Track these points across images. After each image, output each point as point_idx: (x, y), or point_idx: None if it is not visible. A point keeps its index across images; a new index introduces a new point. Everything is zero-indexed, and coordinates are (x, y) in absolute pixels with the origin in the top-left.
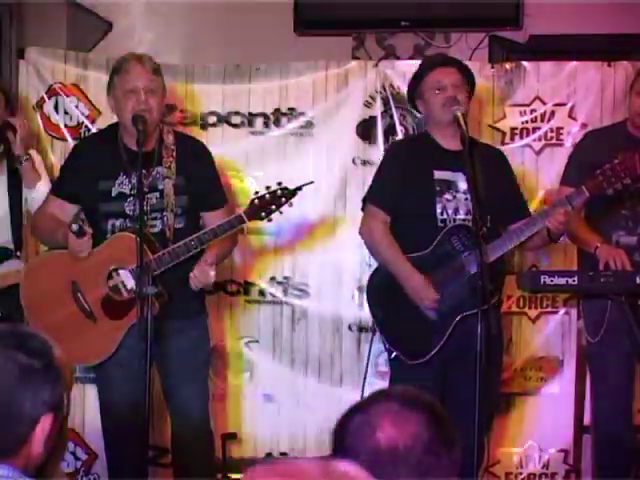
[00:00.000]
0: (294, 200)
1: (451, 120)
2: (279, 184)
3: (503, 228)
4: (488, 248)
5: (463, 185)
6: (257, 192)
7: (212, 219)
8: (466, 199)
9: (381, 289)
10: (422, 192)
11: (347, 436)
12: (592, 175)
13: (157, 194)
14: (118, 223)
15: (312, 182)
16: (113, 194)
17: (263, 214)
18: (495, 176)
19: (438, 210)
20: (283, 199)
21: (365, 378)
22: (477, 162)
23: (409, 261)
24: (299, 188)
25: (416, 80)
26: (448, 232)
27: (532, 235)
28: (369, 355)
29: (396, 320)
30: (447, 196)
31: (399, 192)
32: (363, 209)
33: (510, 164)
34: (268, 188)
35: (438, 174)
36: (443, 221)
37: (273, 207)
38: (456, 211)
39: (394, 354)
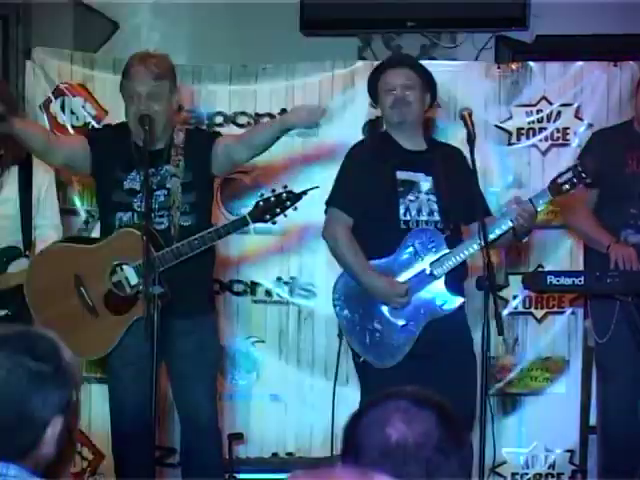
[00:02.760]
0: (302, 200)
1: (400, 121)
2: (285, 187)
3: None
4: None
5: (425, 186)
6: (262, 194)
7: (221, 142)
8: (428, 200)
9: (347, 294)
10: (385, 193)
11: (357, 434)
12: (554, 178)
13: (165, 192)
14: (126, 218)
15: (317, 187)
16: (125, 187)
17: (267, 217)
18: (457, 176)
19: (401, 211)
20: (288, 203)
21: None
22: (440, 163)
23: (373, 267)
24: (304, 192)
25: (371, 84)
26: (411, 237)
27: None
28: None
29: (363, 324)
30: (410, 197)
31: (361, 194)
32: (326, 212)
33: (468, 163)
34: (274, 191)
35: (400, 175)
36: (406, 222)
37: (278, 210)
38: (419, 212)
39: (362, 358)
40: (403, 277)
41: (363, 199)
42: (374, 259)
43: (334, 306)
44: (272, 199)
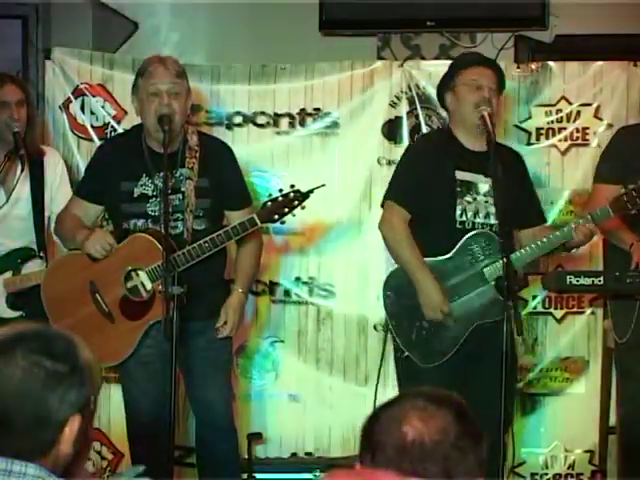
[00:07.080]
0: (322, 200)
1: (480, 122)
2: (292, 187)
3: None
4: (512, 258)
5: (483, 187)
6: (270, 195)
7: (236, 219)
8: (486, 202)
9: (399, 290)
10: (443, 192)
11: (375, 432)
12: (617, 195)
13: (179, 195)
14: (140, 223)
15: (324, 185)
16: (135, 195)
17: (276, 216)
18: (513, 179)
19: (458, 212)
20: (295, 202)
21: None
22: (499, 165)
23: (428, 266)
24: (311, 191)
25: (450, 74)
26: (469, 239)
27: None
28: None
29: (411, 322)
30: (467, 198)
31: (420, 190)
32: (382, 205)
33: (527, 167)
34: (281, 191)
35: (460, 175)
36: (462, 223)
37: (285, 210)
38: (476, 214)
39: (406, 354)
40: (456, 279)
41: (421, 195)
42: (427, 257)
43: (384, 298)
44: (280, 199)
